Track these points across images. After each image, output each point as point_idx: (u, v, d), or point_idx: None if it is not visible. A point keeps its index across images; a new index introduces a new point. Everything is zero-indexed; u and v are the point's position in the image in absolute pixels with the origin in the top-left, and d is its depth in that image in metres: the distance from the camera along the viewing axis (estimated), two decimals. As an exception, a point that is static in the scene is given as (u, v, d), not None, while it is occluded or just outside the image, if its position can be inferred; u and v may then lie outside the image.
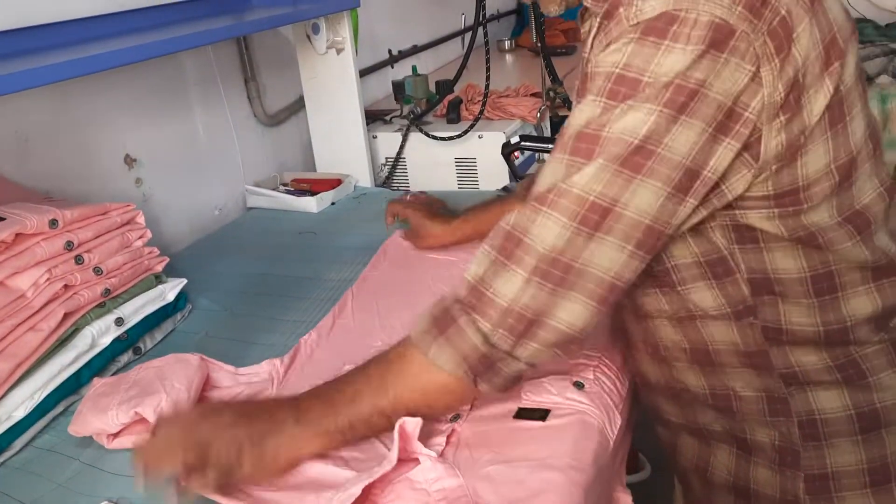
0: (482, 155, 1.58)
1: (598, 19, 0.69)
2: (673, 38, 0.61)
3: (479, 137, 1.58)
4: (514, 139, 1.36)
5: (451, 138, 1.58)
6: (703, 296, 0.73)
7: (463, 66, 1.62)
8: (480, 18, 1.50)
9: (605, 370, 0.87)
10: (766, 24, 0.61)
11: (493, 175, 1.57)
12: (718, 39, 0.60)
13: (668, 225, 0.65)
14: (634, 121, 0.62)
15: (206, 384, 0.90)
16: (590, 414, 0.79)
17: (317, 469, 0.74)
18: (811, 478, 0.75)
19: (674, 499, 1.02)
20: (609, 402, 0.82)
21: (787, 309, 0.72)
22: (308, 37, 1.51)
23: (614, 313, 0.86)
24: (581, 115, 0.65)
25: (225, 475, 0.69)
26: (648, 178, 0.63)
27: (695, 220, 0.67)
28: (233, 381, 0.91)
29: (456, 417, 0.80)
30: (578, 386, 0.82)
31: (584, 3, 0.74)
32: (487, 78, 1.56)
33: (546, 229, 0.65)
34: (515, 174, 1.41)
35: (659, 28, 0.61)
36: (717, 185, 0.65)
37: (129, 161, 1.33)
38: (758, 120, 0.62)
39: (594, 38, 0.71)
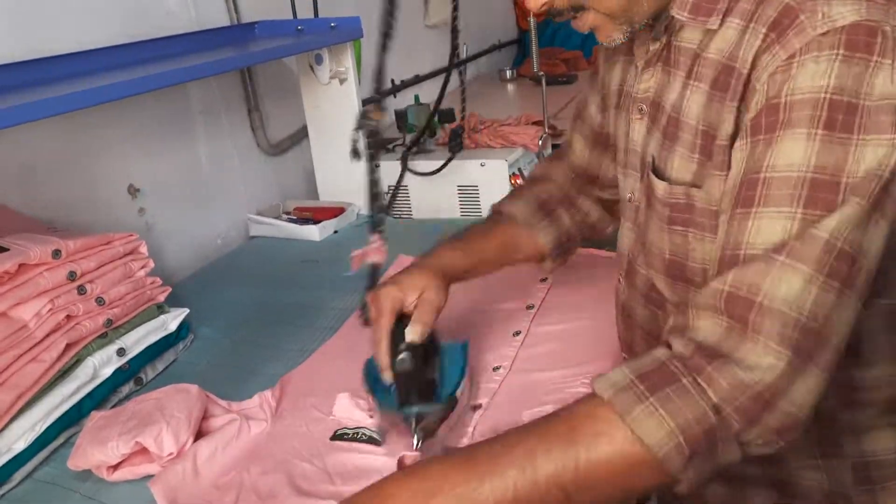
0: (485, 183, 1.58)
1: (751, 30, 0.63)
2: (881, 53, 0.56)
3: (482, 165, 1.58)
4: (414, 336, 0.85)
5: (430, 173, 1.59)
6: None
7: (463, 97, 1.64)
8: (456, 58, 1.49)
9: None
10: None
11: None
12: None
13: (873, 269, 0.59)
14: (875, 155, 0.56)
15: (205, 414, 0.89)
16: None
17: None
18: (858, 465, 0.72)
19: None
20: None
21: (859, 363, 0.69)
22: (311, 67, 1.53)
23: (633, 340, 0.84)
24: (794, 151, 0.58)
25: None
26: (883, 218, 0.57)
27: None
28: (227, 412, 0.90)
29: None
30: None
31: (674, 14, 0.69)
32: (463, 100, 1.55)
33: (782, 284, 0.57)
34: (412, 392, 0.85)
35: (862, 42, 0.56)
36: None
37: (133, 191, 1.34)
38: None
39: (744, 48, 0.64)
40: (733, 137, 0.65)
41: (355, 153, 1.02)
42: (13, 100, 0.89)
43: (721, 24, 0.66)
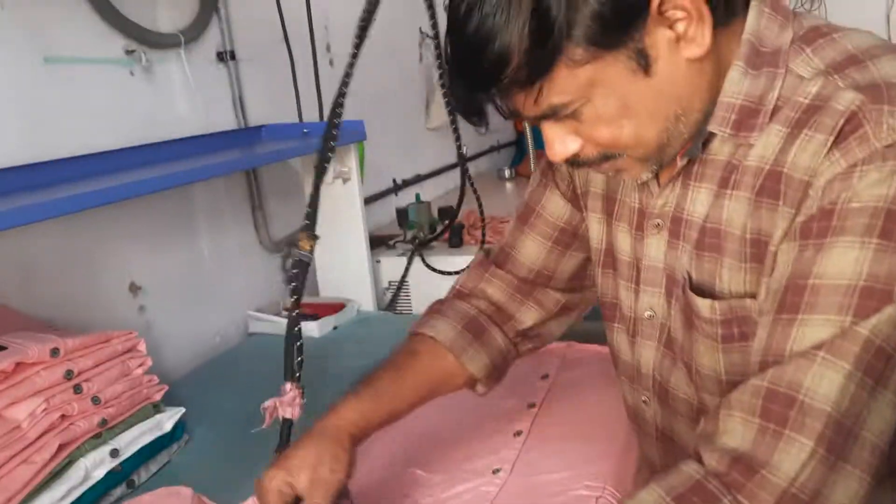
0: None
1: (818, 138, 0.62)
2: None
3: (481, 262, 1.60)
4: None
5: (453, 273, 1.60)
6: None
7: (462, 195, 1.67)
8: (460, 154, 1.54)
9: (610, 499, 0.84)
10: None
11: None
12: None
13: None
14: None
15: (199, 519, 0.87)
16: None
17: None
18: None
19: None
20: None
21: None
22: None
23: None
24: (845, 260, 0.57)
25: None
26: None
27: None
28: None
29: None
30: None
31: (716, 132, 0.68)
32: (479, 204, 1.59)
33: (823, 381, 0.56)
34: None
35: None
36: None
37: (134, 289, 1.34)
38: None
39: (811, 153, 0.62)
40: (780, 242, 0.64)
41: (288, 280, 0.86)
42: (16, 201, 0.91)
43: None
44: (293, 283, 0.97)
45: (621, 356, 0.84)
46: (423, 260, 1.65)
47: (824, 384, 0.56)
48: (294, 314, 0.95)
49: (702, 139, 0.69)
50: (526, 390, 1.14)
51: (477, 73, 0.63)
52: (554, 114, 0.65)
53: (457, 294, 0.95)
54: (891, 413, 0.57)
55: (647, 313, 0.78)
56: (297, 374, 0.91)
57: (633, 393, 0.83)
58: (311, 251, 1.00)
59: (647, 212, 0.76)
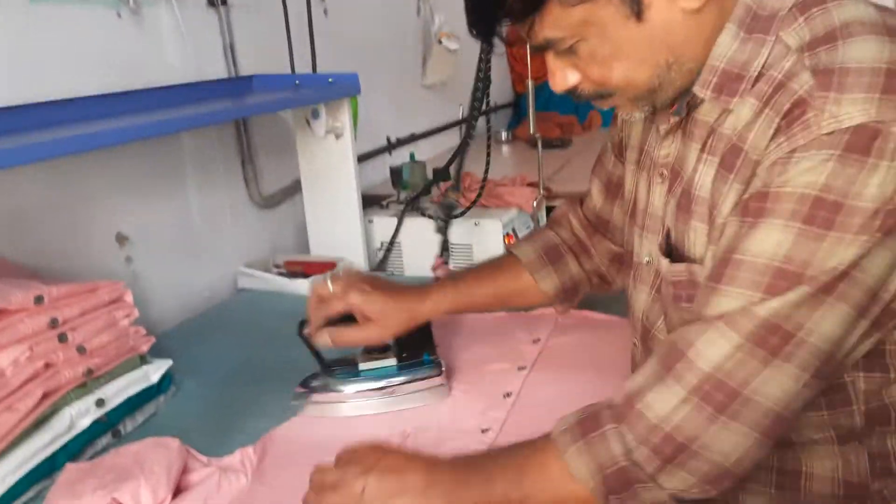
0: (478, 242, 1.58)
1: (766, 115, 0.64)
2: (877, 155, 0.57)
3: (476, 224, 1.58)
4: (321, 340, 0.99)
5: (448, 218, 1.59)
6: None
7: (460, 153, 1.64)
8: (483, 108, 1.52)
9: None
10: None
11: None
12: None
13: (841, 350, 0.62)
14: (843, 252, 0.58)
15: (185, 470, 0.86)
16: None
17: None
18: None
19: None
20: None
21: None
22: (307, 121, 1.53)
23: None
24: (768, 241, 0.60)
25: None
26: (843, 305, 0.59)
27: (864, 346, 0.64)
28: (206, 468, 0.87)
29: None
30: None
31: (697, 93, 0.70)
32: (487, 163, 1.58)
33: (712, 345, 0.61)
34: (321, 359, 1.03)
35: (861, 145, 0.57)
36: (891, 310, 0.63)
37: (121, 239, 1.32)
38: None
39: (758, 132, 0.65)
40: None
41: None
42: (1, 144, 0.88)
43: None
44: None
45: (629, 302, 0.87)
46: (419, 210, 1.63)
47: (711, 349, 0.61)
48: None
49: (686, 99, 0.71)
50: (517, 353, 1.13)
51: (480, 2, 0.68)
52: (550, 46, 0.69)
53: (550, 220, 1.08)
54: (794, 385, 0.60)
55: (645, 258, 0.81)
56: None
57: (631, 335, 0.87)
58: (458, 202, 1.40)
59: (655, 160, 0.79)
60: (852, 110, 0.57)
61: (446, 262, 1.46)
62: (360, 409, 1.00)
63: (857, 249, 0.58)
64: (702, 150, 0.70)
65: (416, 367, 1.01)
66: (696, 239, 0.71)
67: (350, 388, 1.00)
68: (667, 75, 0.68)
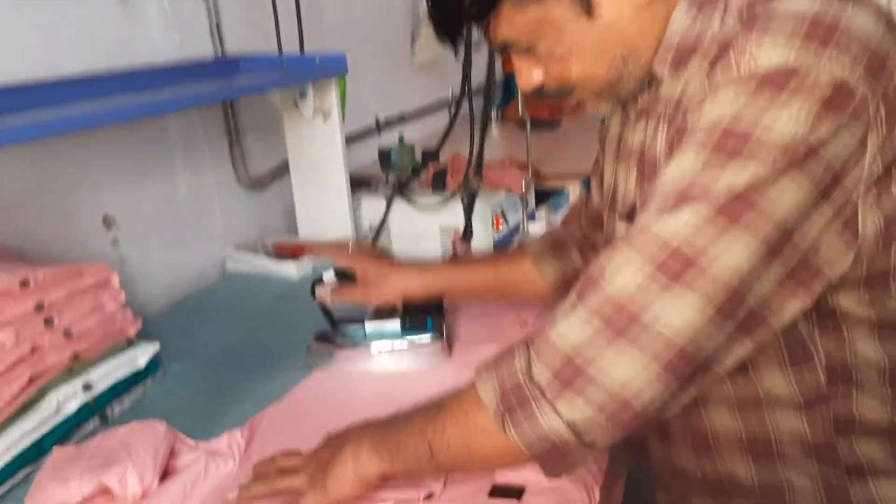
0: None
1: (697, 71, 0.66)
2: (791, 92, 0.57)
3: (463, 206, 1.58)
4: (327, 273, 1.08)
5: (426, 203, 1.58)
6: (776, 381, 0.69)
7: (447, 135, 1.64)
8: (466, 90, 1.52)
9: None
10: (882, 87, 0.58)
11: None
12: (839, 101, 0.57)
13: (754, 292, 0.59)
14: (740, 176, 0.57)
15: (172, 453, 0.86)
16: (566, 491, 0.77)
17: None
18: None
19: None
20: (587, 478, 0.80)
21: (862, 399, 0.68)
22: (295, 102, 1.52)
23: None
24: (678, 170, 0.61)
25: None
26: (745, 232, 0.57)
27: (792, 305, 0.61)
28: (193, 452, 0.87)
29: (430, 496, 0.77)
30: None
31: (655, 72, 0.71)
32: (471, 145, 1.57)
33: (618, 269, 0.61)
34: (331, 317, 1.10)
35: (777, 82, 0.57)
36: (818, 269, 0.61)
37: (108, 221, 1.31)
38: (854, 190, 0.59)
39: (690, 90, 0.67)
40: None
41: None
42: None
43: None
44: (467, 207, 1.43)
45: None
46: (406, 197, 1.62)
47: (617, 273, 0.61)
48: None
49: (646, 79, 0.72)
50: (505, 336, 1.13)
51: (441, 5, 0.71)
52: (509, 47, 0.72)
53: (561, 222, 1.13)
54: (696, 317, 0.58)
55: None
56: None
57: None
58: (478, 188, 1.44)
59: (630, 148, 0.79)
60: (771, 53, 0.58)
61: (467, 242, 1.48)
62: (367, 366, 1.06)
63: (760, 174, 0.57)
64: (665, 122, 0.71)
65: (419, 331, 1.05)
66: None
67: (357, 346, 1.07)
68: (624, 68, 0.70)
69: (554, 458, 0.64)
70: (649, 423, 0.63)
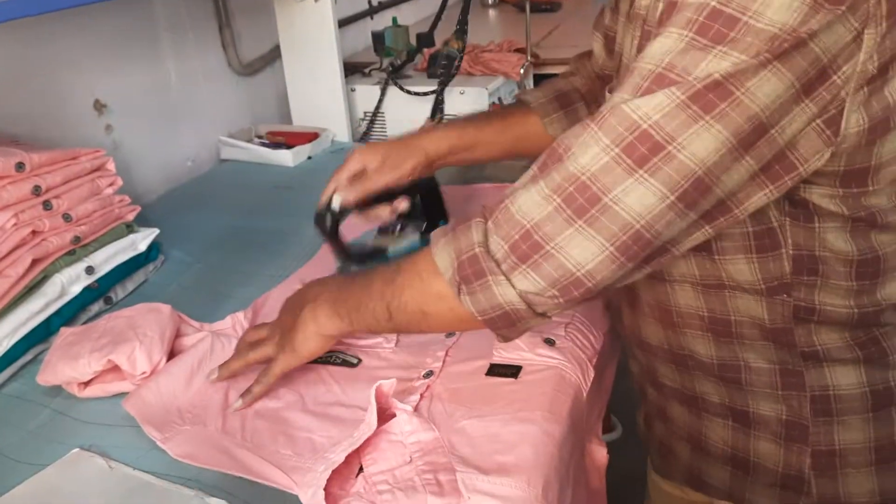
0: (464, 111, 1.55)
1: None
2: None
3: (461, 93, 1.56)
4: (335, 203, 0.91)
5: (427, 94, 1.56)
6: (741, 268, 0.69)
7: (438, 18, 1.59)
8: None
9: (579, 325, 0.87)
10: None
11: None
12: None
13: (721, 183, 0.58)
14: (720, 64, 0.55)
15: (177, 334, 0.88)
16: (562, 368, 0.80)
17: (305, 422, 0.75)
18: (818, 453, 0.73)
19: (648, 461, 1.02)
20: (582, 356, 0.83)
21: (825, 290, 0.68)
22: (285, -17, 1.47)
23: None
24: (660, 48, 0.57)
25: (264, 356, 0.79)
26: (716, 122, 0.55)
27: (759, 198, 0.60)
28: (198, 332, 0.90)
29: (429, 374, 0.80)
30: (549, 342, 0.83)
31: None
32: (465, 32, 1.53)
33: (584, 148, 0.59)
34: (345, 251, 0.95)
35: None
36: (792, 164, 0.59)
37: (99, 106, 1.29)
38: (844, 87, 0.56)
39: None
40: None
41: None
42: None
43: None
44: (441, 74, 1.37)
45: None
46: (398, 85, 1.60)
47: (582, 151, 0.59)
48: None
49: None
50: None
51: None
52: None
53: (562, 73, 1.03)
54: (656, 203, 0.57)
55: None
56: None
57: None
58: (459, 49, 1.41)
59: (636, 11, 0.74)
60: None
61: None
62: None
63: (741, 63, 0.54)
64: None
65: None
66: None
67: None
68: None
69: (506, 325, 0.65)
70: (602, 295, 0.66)
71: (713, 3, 0.55)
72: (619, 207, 0.58)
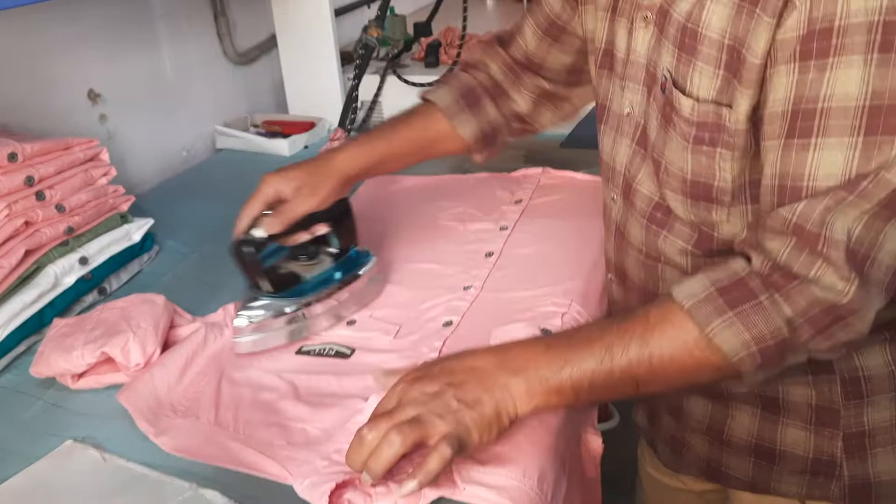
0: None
1: None
2: None
3: (457, 83, 1.54)
4: (259, 233, 0.86)
5: (427, 84, 1.54)
6: None
7: (437, 7, 1.58)
8: None
9: (576, 316, 0.87)
10: None
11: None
12: None
13: None
14: None
15: (171, 325, 0.88)
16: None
17: (299, 412, 0.75)
18: (850, 436, 0.74)
19: (639, 454, 1.03)
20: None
21: None
22: (281, -29, 1.46)
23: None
24: (851, 82, 0.56)
25: (457, 447, 0.61)
26: None
27: None
28: (192, 324, 0.89)
29: (448, 323, 0.80)
30: (546, 332, 0.82)
31: None
32: (465, 19, 1.52)
33: (847, 219, 0.58)
34: (264, 280, 0.88)
35: None
36: None
37: (93, 96, 1.28)
38: None
39: None
40: (768, 55, 0.61)
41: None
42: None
43: None
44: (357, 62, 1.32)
45: (604, 157, 0.84)
46: (398, 74, 1.59)
47: (843, 221, 0.59)
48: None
49: None
50: (499, 213, 1.14)
51: None
52: None
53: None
54: None
55: (626, 110, 0.78)
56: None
57: (606, 191, 0.85)
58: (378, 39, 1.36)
59: (637, 2, 0.74)
60: None
61: (348, 133, 1.32)
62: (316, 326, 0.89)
63: None
64: None
65: (353, 263, 0.93)
66: (701, 82, 0.67)
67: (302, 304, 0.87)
68: None
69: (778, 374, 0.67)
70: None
71: (881, 17, 0.54)
72: (883, 255, 0.60)
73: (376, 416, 0.64)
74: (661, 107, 0.72)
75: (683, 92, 0.69)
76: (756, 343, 0.62)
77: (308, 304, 0.87)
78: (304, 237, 0.90)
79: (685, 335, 0.63)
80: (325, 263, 0.93)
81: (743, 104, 0.64)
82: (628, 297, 0.84)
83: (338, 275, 0.91)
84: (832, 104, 0.57)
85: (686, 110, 0.69)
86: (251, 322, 0.84)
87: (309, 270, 0.91)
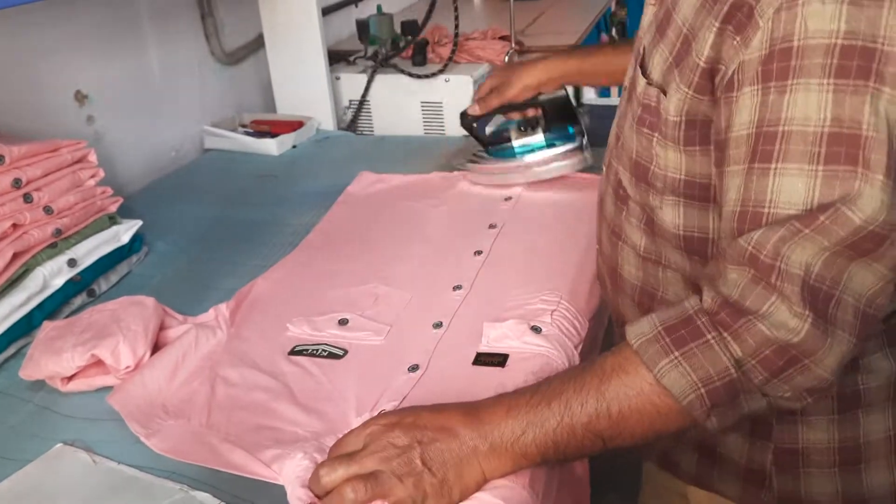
0: (449, 99, 1.55)
1: None
2: None
3: (446, 81, 1.55)
4: (472, 109, 1.23)
5: (424, 76, 1.55)
6: None
7: (432, 7, 1.58)
8: None
9: (564, 313, 0.87)
10: None
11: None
12: None
13: None
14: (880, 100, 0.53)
15: (161, 327, 0.88)
16: (549, 356, 0.80)
17: (292, 415, 0.75)
18: (781, 451, 0.73)
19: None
20: (568, 343, 0.83)
21: None
22: (268, -29, 1.45)
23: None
24: (809, 106, 0.54)
25: None
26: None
27: None
28: (182, 325, 0.89)
29: (415, 368, 0.80)
30: (536, 330, 0.83)
31: None
32: (456, 18, 1.52)
33: (803, 252, 0.56)
34: (483, 142, 1.25)
35: None
36: None
37: (80, 97, 1.27)
38: None
39: None
40: (712, 62, 0.60)
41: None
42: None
43: None
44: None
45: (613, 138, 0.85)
46: (395, 66, 1.58)
47: (801, 255, 0.56)
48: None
49: None
50: (488, 212, 1.14)
51: None
52: None
53: None
54: (874, 280, 0.56)
55: (626, 83, 0.78)
56: None
57: (603, 186, 0.84)
58: None
59: None
60: None
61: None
62: (515, 178, 1.20)
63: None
64: None
65: (562, 140, 1.18)
66: (655, 65, 0.67)
67: (508, 163, 1.21)
68: None
69: (736, 423, 0.63)
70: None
71: (839, 41, 0.52)
72: (848, 294, 0.57)
73: (338, 457, 0.63)
74: (630, 82, 0.74)
75: (644, 72, 0.69)
76: (703, 384, 0.59)
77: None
78: (516, 115, 1.22)
79: (640, 382, 0.60)
80: (536, 136, 1.20)
81: (674, 98, 0.63)
82: (601, 271, 0.85)
83: (545, 148, 1.19)
84: (793, 127, 0.55)
85: (639, 89, 0.70)
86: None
87: (520, 137, 1.21)
